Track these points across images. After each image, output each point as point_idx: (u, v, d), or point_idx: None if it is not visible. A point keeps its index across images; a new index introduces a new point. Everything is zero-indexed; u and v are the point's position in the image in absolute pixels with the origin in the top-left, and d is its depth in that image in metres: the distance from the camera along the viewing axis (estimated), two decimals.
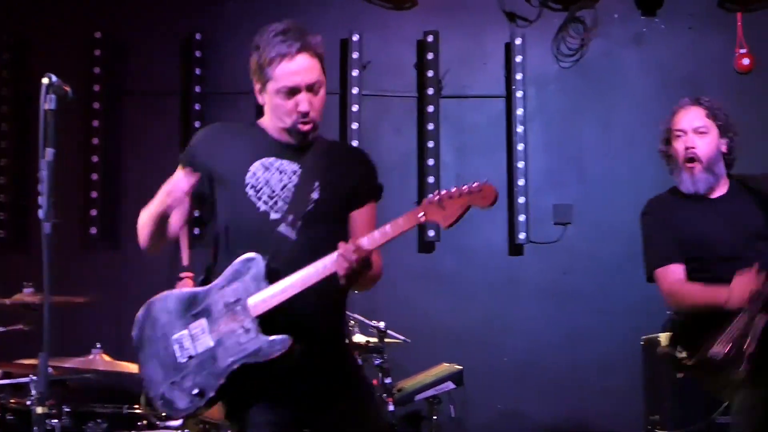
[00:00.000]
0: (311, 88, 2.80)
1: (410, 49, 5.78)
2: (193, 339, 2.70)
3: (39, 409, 2.83)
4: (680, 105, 3.73)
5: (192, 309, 2.72)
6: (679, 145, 3.62)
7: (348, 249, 2.55)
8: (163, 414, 2.79)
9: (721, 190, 3.62)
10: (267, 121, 2.92)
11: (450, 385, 4.84)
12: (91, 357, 4.11)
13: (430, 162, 5.57)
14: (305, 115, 2.76)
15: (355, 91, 5.55)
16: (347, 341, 3.10)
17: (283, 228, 2.73)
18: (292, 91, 2.78)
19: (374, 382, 4.39)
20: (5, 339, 4.15)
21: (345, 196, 2.87)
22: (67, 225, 5.10)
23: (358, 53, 5.56)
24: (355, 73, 5.53)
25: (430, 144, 5.63)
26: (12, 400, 3.98)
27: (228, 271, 2.69)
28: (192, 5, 5.70)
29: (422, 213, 2.59)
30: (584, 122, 5.88)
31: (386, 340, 4.56)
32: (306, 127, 2.78)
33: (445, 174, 5.69)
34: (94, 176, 5.23)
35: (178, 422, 3.94)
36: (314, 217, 2.77)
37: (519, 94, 5.62)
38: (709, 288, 3.52)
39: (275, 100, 2.81)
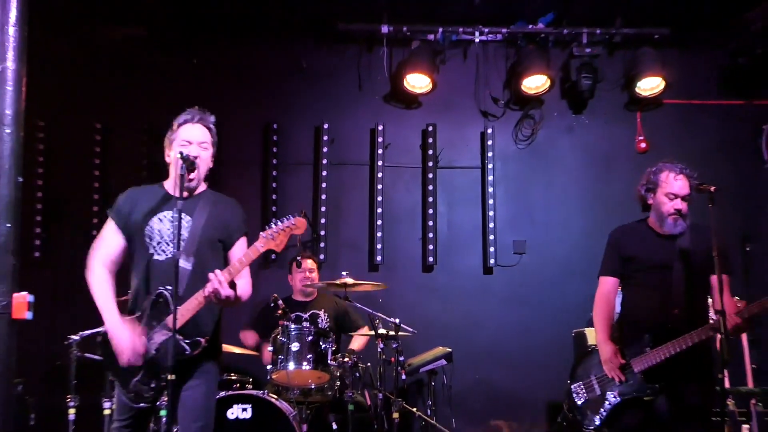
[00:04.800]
0: (200, 144, 3.22)
1: (417, 135, 6.45)
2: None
3: None
4: (671, 170, 3.77)
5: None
6: (668, 204, 3.76)
7: (212, 277, 2.96)
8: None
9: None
10: (168, 180, 3.28)
11: (443, 362, 5.39)
12: None
13: (430, 212, 6.33)
14: (192, 161, 3.07)
15: (380, 163, 6.35)
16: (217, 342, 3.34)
17: (180, 261, 3.04)
18: (187, 143, 3.20)
19: (392, 359, 4.73)
20: None
21: (221, 233, 3.20)
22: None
23: (381, 138, 6.33)
24: (379, 151, 6.34)
25: (430, 199, 6.35)
26: None
27: (146, 304, 3.14)
28: (270, 102, 6.41)
29: (262, 244, 2.95)
30: (533, 185, 6.43)
31: (400, 332, 4.80)
32: (191, 175, 3.12)
33: (440, 220, 6.35)
34: None
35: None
36: (201, 249, 3.14)
37: (490, 166, 6.36)
38: (604, 321, 3.94)
39: (175, 150, 3.16)
